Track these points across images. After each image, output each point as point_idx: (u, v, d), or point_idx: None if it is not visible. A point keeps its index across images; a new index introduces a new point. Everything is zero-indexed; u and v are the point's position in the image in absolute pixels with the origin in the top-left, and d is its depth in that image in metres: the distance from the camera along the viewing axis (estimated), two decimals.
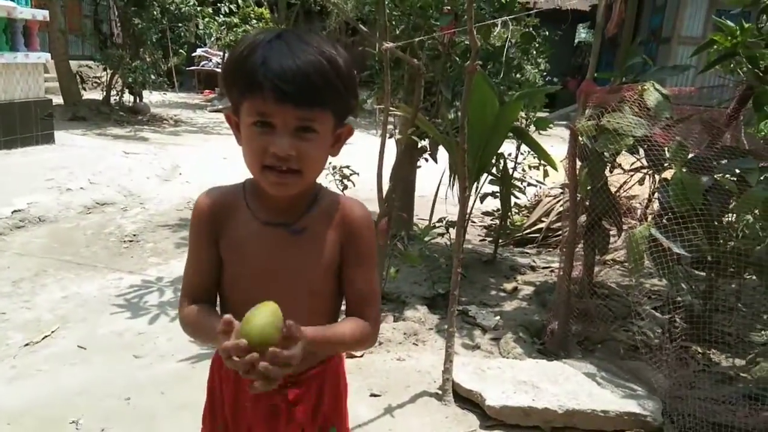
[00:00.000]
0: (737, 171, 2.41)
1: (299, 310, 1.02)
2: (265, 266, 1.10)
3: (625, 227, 2.84)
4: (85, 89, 11.50)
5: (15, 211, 4.53)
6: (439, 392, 2.53)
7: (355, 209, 1.14)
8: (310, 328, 0.99)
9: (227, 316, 0.93)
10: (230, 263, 1.12)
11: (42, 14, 6.71)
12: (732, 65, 3.13)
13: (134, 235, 4.47)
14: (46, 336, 2.87)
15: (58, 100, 9.32)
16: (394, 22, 3.62)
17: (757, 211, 2.49)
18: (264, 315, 0.91)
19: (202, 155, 7.91)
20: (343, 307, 1.20)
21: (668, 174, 2.45)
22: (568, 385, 2.48)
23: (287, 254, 1.10)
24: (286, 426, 1.18)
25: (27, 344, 2.78)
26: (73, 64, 10.55)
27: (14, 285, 3.44)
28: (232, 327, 0.91)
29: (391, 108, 2.88)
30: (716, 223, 2.41)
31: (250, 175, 1.09)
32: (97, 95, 10.94)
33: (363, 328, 1.12)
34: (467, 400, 2.48)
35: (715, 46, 2.70)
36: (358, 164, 3.61)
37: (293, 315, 0.97)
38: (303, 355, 0.94)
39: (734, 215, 2.66)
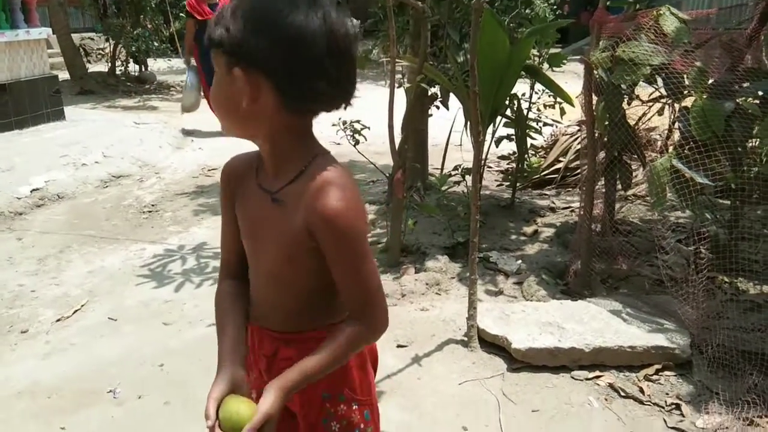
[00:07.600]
0: (760, 93, 2.32)
1: (283, 275, 1.09)
2: (252, 228, 1.12)
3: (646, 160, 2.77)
4: (89, 62, 11.38)
5: (33, 189, 4.57)
6: (465, 339, 2.55)
7: (325, 199, 0.98)
8: (280, 380, 1.01)
9: (209, 422, 0.98)
10: (240, 226, 1.15)
11: None
12: None
13: (153, 206, 4.50)
14: (76, 310, 2.93)
15: (64, 75, 9.27)
16: None
17: None
18: (235, 405, 1.00)
19: (212, 120, 7.86)
20: None
21: (688, 102, 2.36)
22: (593, 323, 2.48)
23: (268, 220, 1.08)
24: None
25: (58, 319, 2.85)
26: (75, 38, 10.41)
27: (40, 263, 3.50)
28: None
29: (397, 59, 2.81)
30: (740, 150, 2.33)
31: None
32: (102, 67, 10.82)
33: (349, 337, 1.05)
34: (493, 345, 2.50)
35: None
36: (369, 117, 3.54)
37: (280, 280, 1.09)
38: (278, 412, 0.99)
39: (758, 140, 2.57)
